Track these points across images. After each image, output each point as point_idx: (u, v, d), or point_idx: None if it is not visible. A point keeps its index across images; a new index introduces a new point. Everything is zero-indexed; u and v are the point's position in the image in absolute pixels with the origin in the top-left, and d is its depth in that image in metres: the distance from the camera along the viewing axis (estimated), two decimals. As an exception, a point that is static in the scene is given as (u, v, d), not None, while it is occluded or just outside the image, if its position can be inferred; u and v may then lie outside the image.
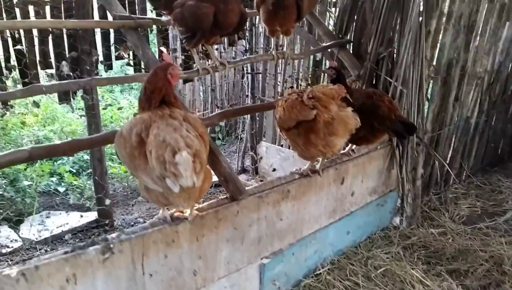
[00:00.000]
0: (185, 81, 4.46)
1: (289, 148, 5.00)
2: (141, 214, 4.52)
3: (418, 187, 3.68)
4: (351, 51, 3.86)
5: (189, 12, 2.44)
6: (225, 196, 2.29)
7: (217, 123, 4.82)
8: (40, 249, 3.70)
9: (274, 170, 5.00)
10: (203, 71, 2.77)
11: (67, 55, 2.96)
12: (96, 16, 3.59)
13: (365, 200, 3.30)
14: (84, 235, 4.02)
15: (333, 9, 4.53)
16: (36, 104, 2.66)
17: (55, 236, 3.90)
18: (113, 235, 1.86)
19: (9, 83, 3.42)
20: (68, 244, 3.87)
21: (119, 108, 7.01)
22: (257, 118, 5.36)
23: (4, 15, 3.02)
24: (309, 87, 3.37)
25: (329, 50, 3.80)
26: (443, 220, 3.88)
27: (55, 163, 5.03)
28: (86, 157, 5.26)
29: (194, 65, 2.91)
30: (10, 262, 3.45)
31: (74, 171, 4.94)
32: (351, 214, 3.18)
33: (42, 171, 4.67)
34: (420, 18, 3.24)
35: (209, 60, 3.53)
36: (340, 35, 3.90)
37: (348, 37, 3.91)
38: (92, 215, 4.20)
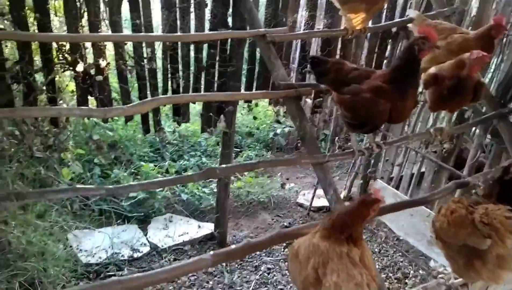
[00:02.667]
0: (313, 112, 4.37)
1: (406, 194, 4.74)
2: (250, 232, 4.73)
3: None
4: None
5: (363, 105, 2.30)
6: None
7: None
8: (165, 257, 4.09)
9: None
10: (359, 153, 2.66)
11: (225, 109, 3.03)
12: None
13: (501, 302, 3.03)
14: (200, 248, 4.34)
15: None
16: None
17: (177, 244, 4.27)
18: None
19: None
20: (187, 255, 4.21)
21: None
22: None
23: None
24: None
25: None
26: None
27: (177, 162, 5.42)
28: (204, 159, 5.58)
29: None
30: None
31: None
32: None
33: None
34: None
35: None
36: (502, 101, 3.45)
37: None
38: (208, 227, 4.49)
